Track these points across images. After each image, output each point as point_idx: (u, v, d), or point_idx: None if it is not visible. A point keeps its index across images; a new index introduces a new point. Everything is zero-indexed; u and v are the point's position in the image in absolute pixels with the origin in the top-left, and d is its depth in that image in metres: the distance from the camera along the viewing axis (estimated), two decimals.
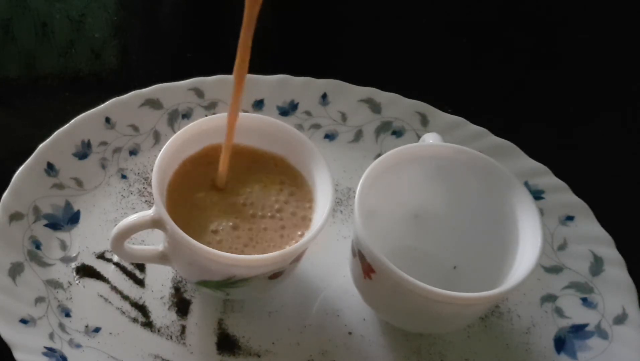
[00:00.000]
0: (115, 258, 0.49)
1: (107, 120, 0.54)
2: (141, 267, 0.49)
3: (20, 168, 0.50)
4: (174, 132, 0.48)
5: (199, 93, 0.56)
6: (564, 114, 0.62)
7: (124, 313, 0.47)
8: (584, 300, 0.48)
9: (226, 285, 0.43)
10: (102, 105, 0.54)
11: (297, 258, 0.44)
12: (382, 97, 0.57)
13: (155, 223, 0.43)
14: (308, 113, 0.56)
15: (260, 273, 0.43)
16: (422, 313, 0.43)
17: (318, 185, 0.45)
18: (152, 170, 0.44)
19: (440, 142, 0.49)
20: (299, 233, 0.44)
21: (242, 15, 0.39)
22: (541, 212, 0.45)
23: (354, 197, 0.43)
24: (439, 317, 0.43)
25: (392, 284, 0.41)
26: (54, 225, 0.50)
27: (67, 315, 0.46)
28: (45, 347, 0.44)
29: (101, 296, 0.47)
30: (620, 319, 0.47)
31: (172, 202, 0.44)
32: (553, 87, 0.64)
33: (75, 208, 0.51)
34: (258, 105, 0.56)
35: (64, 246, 0.49)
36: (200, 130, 0.46)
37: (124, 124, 0.54)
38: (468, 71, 0.64)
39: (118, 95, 0.54)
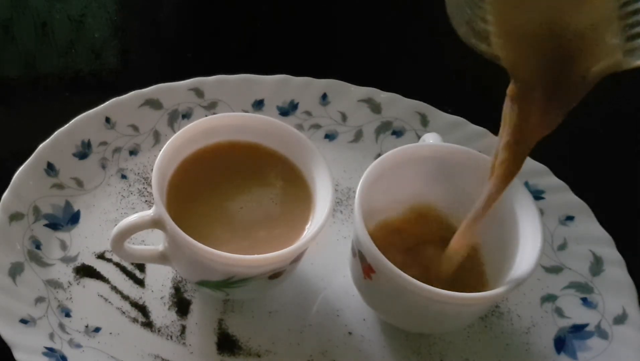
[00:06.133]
0: (115, 258, 0.49)
1: (107, 120, 0.54)
2: (141, 267, 0.49)
3: (20, 168, 0.50)
4: (174, 132, 0.48)
5: (199, 93, 0.56)
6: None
7: (124, 313, 0.47)
8: (584, 300, 0.48)
9: (226, 285, 0.43)
10: (102, 105, 0.54)
11: (297, 258, 0.44)
12: (382, 97, 0.57)
13: (155, 223, 0.43)
14: (308, 113, 0.56)
15: (260, 273, 0.43)
16: (422, 313, 0.43)
17: (318, 185, 0.45)
18: (152, 170, 0.44)
19: (440, 142, 0.49)
20: (299, 233, 0.44)
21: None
22: (541, 212, 0.45)
23: (354, 197, 0.43)
24: (439, 317, 0.43)
25: (392, 284, 0.41)
26: (54, 225, 0.50)
27: (67, 315, 0.46)
28: (45, 347, 0.44)
29: (101, 296, 0.47)
30: (620, 319, 0.47)
31: (172, 202, 0.44)
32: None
33: (75, 208, 0.51)
34: (258, 105, 0.56)
35: (64, 246, 0.49)
36: (200, 130, 0.46)
37: (124, 124, 0.54)
38: (468, 71, 0.64)
39: (118, 95, 0.54)
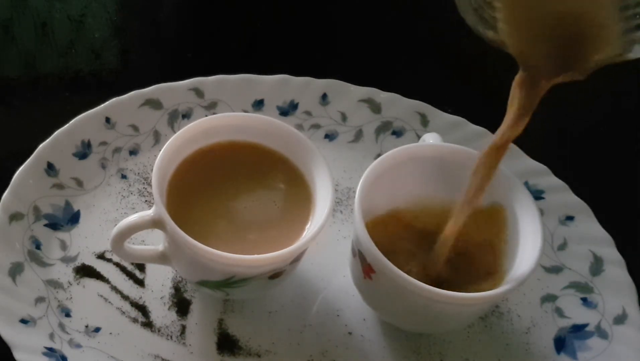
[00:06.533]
0: (115, 258, 0.49)
1: (107, 120, 0.54)
2: (141, 267, 0.49)
3: (20, 168, 0.50)
4: (174, 132, 0.48)
5: (199, 93, 0.56)
6: (564, 114, 0.62)
7: (124, 313, 0.47)
8: (584, 300, 0.48)
9: (226, 285, 0.43)
10: (102, 105, 0.54)
11: (297, 258, 0.44)
12: (382, 97, 0.57)
13: (155, 223, 0.43)
14: (308, 113, 0.56)
15: (260, 273, 0.43)
16: (422, 313, 0.43)
17: (318, 185, 0.45)
18: (152, 170, 0.44)
19: (440, 142, 0.49)
20: (299, 233, 0.44)
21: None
22: (541, 212, 0.45)
23: (354, 197, 0.43)
24: (439, 317, 0.43)
25: (392, 284, 0.41)
26: (54, 225, 0.50)
27: (67, 315, 0.46)
28: (45, 347, 0.44)
29: (101, 296, 0.47)
30: (620, 319, 0.47)
31: (172, 202, 0.44)
32: (552, 86, 0.64)
33: (75, 208, 0.51)
34: (258, 105, 0.56)
35: (64, 246, 0.49)
36: (200, 130, 0.46)
37: (124, 124, 0.54)
38: (468, 71, 0.64)
39: (118, 95, 0.54)
